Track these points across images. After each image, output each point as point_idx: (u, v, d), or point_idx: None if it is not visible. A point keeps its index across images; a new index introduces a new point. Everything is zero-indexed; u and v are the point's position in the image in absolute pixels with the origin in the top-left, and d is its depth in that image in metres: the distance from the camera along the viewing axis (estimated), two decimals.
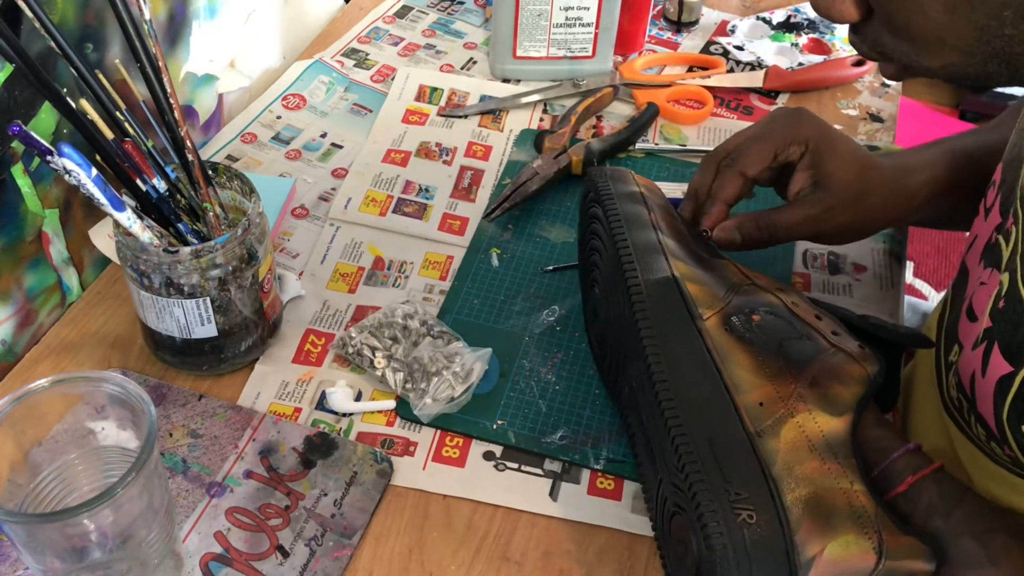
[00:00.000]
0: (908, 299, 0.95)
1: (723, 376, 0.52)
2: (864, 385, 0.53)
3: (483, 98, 0.92)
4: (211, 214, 0.61)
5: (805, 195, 0.64)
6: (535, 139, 0.85)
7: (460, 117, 0.90)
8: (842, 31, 1.04)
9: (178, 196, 0.60)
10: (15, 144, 0.62)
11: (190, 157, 0.59)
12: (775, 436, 0.49)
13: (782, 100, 0.95)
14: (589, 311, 0.67)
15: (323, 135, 0.87)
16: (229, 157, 0.84)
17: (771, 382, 0.52)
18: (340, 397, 0.63)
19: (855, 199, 0.63)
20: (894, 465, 0.51)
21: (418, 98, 0.92)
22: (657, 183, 0.67)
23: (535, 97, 0.92)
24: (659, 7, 1.08)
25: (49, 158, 0.49)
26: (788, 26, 1.06)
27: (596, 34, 0.92)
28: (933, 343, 0.58)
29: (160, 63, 0.56)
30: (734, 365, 0.53)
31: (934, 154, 0.68)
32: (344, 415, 0.63)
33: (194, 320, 0.60)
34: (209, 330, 0.61)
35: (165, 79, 0.56)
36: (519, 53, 0.93)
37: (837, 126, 0.91)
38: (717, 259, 0.60)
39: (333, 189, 0.81)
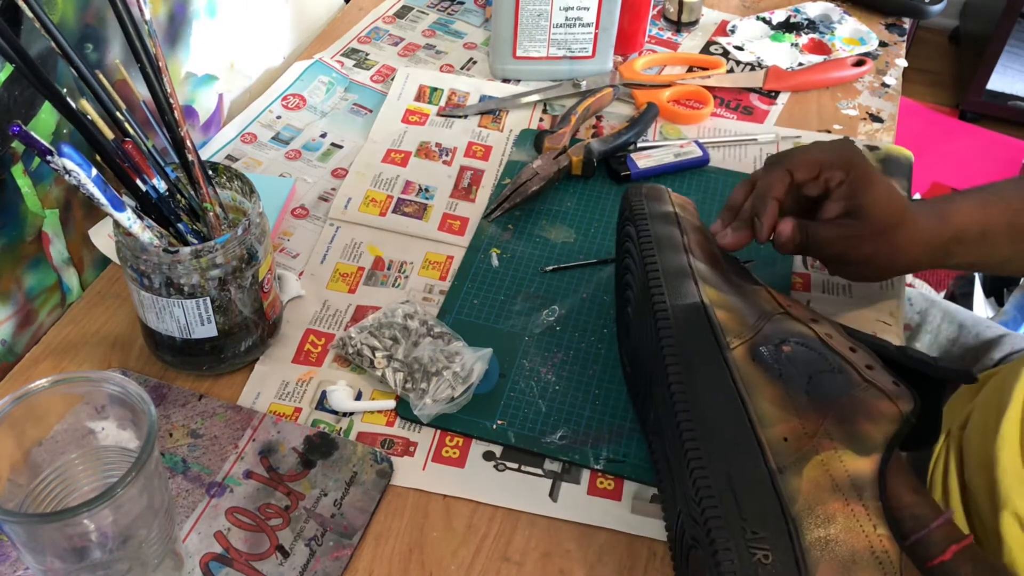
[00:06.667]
0: (915, 292, 0.94)
1: (748, 408, 0.50)
2: (896, 424, 0.51)
3: (483, 98, 0.92)
4: (211, 214, 0.61)
5: (839, 220, 0.64)
6: (535, 139, 0.85)
7: (460, 117, 0.90)
8: (842, 31, 1.03)
9: (178, 196, 0.60)
10: (15, 144, 0.62)
11: (190, 157, 0.59)
12: (797, 473, 0.48)
13: (782, 100, 0.95)
14: (622, 329, 0.66)
15: (323, 135, 0.87)
16: (229, 157, 0.84)
17: (798, 417, 0.50)
18: (340, 397, 0.63)
19: (884, 233, 0.63)
20: (932, 535, 0.50)
21: (418, 98, 0.92)
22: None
23: (535, 97, 0.92)
24: (659, 7, 1.08)
25: (49, 158, 0.49)
26: (788, 26, 1.06)
27: (596, 34, 0.92)
28: (976, 378, 0.55)
29: (160, 63, 0.56)
30: (760, 398, 0.51)
31: (969, 203, 0.67)
32: (344, 415, 0.63)
33: (194, 320, 0.60)
34: (209, 330, 0.61)
35: (165, 79, 0.56)
36: (519, 53, 0.93)
37: (836, 126, 0.92)
38: (751, 285, 0.59)
39: (333, 189, 0.81)
